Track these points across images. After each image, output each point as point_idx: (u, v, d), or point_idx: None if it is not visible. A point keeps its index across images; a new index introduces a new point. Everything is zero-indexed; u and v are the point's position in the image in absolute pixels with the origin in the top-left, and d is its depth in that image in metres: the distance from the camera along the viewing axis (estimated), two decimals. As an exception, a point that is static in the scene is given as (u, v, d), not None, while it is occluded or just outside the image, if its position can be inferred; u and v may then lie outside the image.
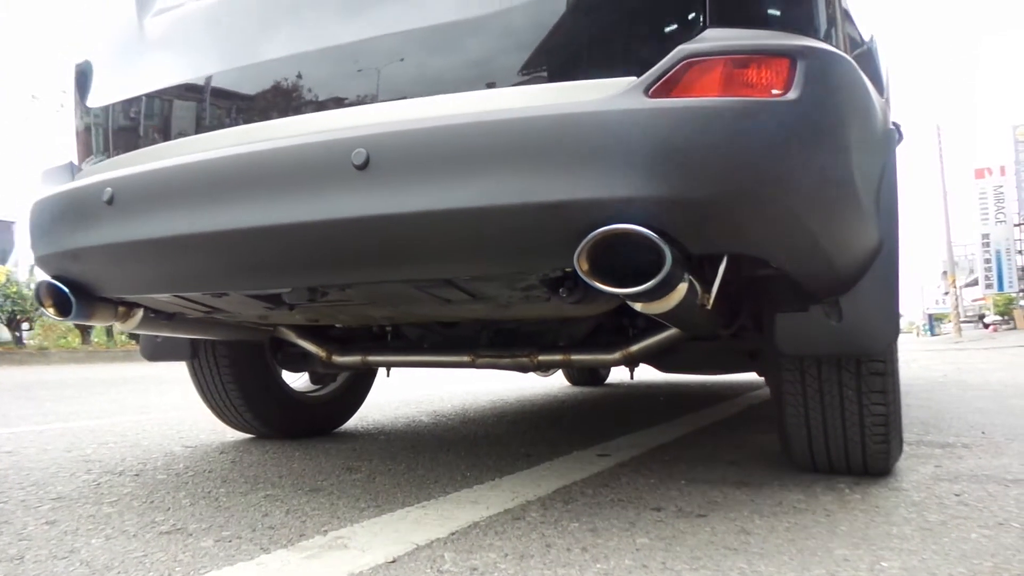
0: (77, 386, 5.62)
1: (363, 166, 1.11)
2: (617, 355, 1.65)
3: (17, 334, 12.43)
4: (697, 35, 1.06)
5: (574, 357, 1.74)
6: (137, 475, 1.74)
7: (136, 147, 1.53)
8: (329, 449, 2.12)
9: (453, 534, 1.17)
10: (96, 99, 1.64)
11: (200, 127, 1.43)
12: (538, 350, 1.77)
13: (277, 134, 1.27)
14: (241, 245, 1.27)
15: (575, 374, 4.96)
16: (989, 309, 34.64)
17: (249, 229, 1.22)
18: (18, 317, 12.40)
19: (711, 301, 1.17)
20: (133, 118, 1.57)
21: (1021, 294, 33.80)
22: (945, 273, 39.33)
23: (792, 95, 1.02)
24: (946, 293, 35.95)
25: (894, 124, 1.87)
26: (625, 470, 1.73)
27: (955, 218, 44.18)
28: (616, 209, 1.00)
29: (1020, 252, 35.61)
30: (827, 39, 1.15)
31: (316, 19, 1.32)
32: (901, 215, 1.43)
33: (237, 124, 1.37)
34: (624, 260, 1.02)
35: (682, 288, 1.05)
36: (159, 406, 3.73)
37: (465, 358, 1.86)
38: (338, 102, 1.26)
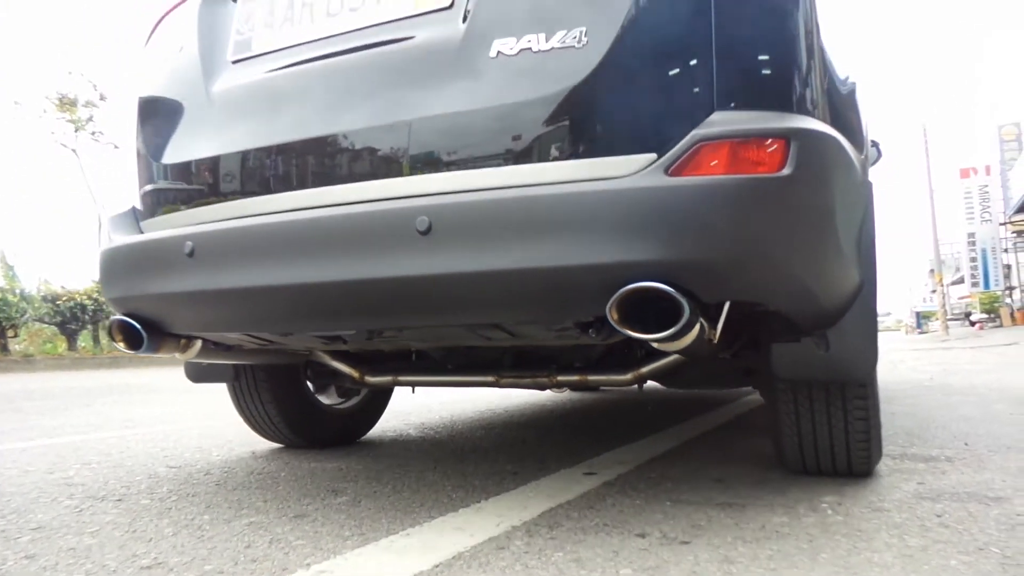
0: (62, 396, 5.57)
1: (426, 232, 1.28)
2: (629, 376, 1.78)
3: (2, 341, 12.30)
4: (707, 116, 1.22)
5: (590, 377, 1.86)
6: (120, 500, 1.73)
7: (209, 203, 1.65)
8: (315, 469, 2.12)
9: (437, 567, 1.17)
10: (169, 155, 1.75)
11: (272, 188, 1.55)
12: (557, 371, 1.90)
13: (344, 198, 1.43)
14: (315, 296, 1.44)
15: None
16: (975, 307, 34.89)
17: (324, 283, 1.39)
18: (3, 324, 12.27)
19: (717, 336, 1.34)
20: (206, 176, 1.68)
21: (1007, 292, 34.08)
22: (932, 271, 39.62)
23: (787, 171, 1.19)
24: (933, 291, 36.18)
25: (873, 142, 2.11)
26: (611, 490, 1.74)
27: (943, 216, 44.53)
28: (642, 269, 1.18)
29: (1005, 251, 35.91)
30: (816, 111, 1.31)
31: (376, 99, 1.47)
32: (882, 236, 1.59)
33: (307, 187, 1.50)
34: (647, 308, 1.20)
35: (695, 330, 1.22)
36: (144, 419, 3.71)
37: (489, 378, 1.99)
38: (400, 170, 1.41)
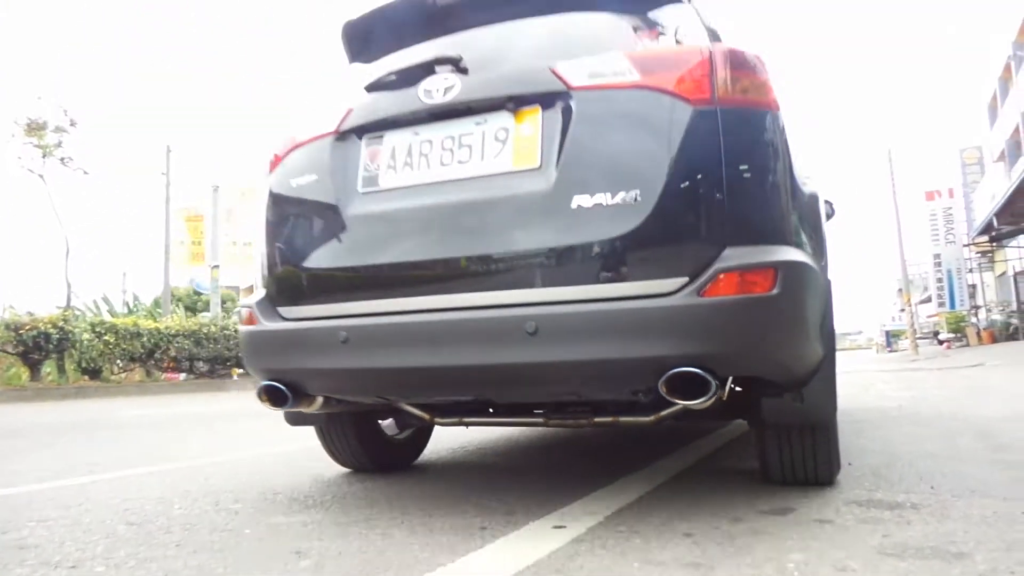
0: (23, 435, 5.42)
1: (533, 333, 1.80)
2: (652, 418, 2.15)
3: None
4: (721, 251, 1.77)
5: (621, 419, 2.26)
6: (74, 567, 1.67)
7: (352, 300, 2.10)
8: (281, 524, 2.07)
9: (398, 648, 1.14)
10: (310, 260, 2.21)
11: (405, 293, 2.02)
12: (593, 413, 2.33)
13: (467, 303, 1.92)
14: (447, 375, 1.96)
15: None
16: (942, 326, 35.55)
17: (456, 366, 1.91)
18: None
19: (726, 396, 1.88)
20: (348, 280, 2.14)
21: (972, 311, 34.80)
22: (900, 291, 40.36)
23: (776, 291, 1.74)
24: (902, 310, 36.84)
25: (827, 202, 2.67)
26: (580, 547, 1.72)
27: (912, 236, 45.38)
28: (683, 359, 1.72)
29: (970, 271, 36.71)
30: (792, 240, 1.89)
31: (484, 232, 1.95)
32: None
33: (435, 294, 1.97)
34: (685, 382, 1.73)
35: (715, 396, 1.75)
36: (108, 462, 3.61)
37: (539, 420, 2.46)
38: (508, 285, 1.90)
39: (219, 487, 2.76)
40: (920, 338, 40.75)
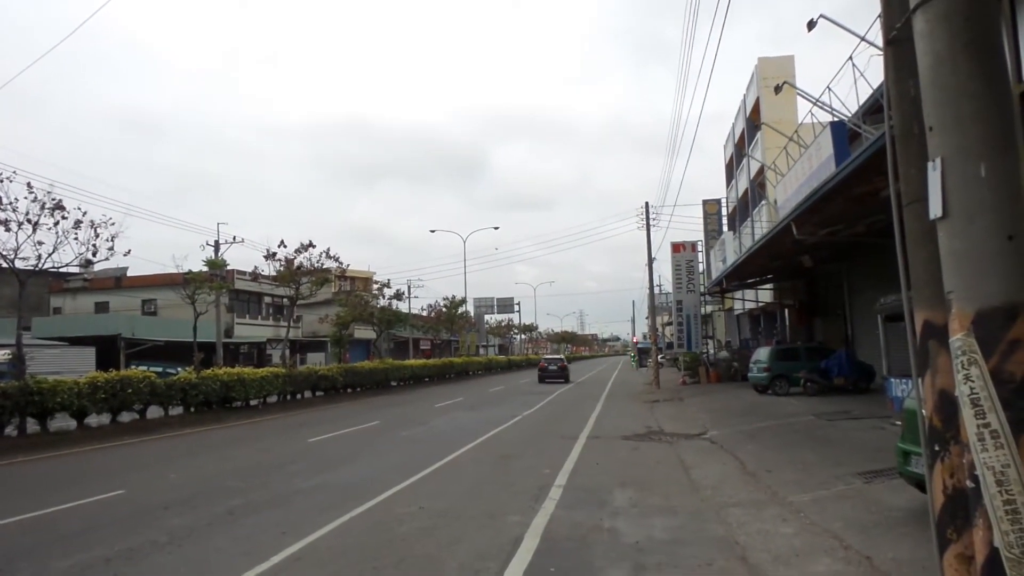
0: None
1: None
2: None
3: None
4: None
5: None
6: None
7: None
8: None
9: None
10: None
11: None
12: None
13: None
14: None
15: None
16: (681, 362, 46.55)
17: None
18: None
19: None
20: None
21: (704, 341, 46.18)
22: (648, 320, 55.00)
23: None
24: (651, 330, 50.00)
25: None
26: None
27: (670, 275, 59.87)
28: None
29: (706, 303, 47.86)
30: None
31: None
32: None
33: None
34: None
35: None
36: None
37: None
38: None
39: None
40: (663, 358, 55.43)
